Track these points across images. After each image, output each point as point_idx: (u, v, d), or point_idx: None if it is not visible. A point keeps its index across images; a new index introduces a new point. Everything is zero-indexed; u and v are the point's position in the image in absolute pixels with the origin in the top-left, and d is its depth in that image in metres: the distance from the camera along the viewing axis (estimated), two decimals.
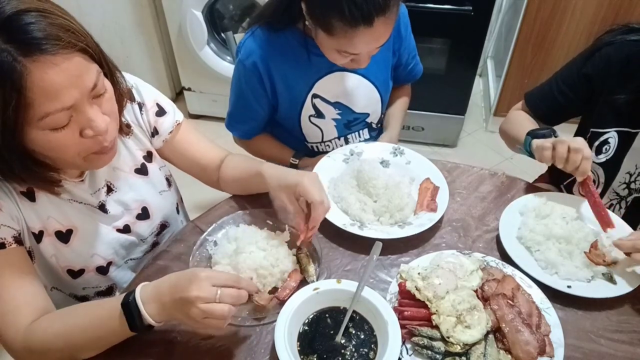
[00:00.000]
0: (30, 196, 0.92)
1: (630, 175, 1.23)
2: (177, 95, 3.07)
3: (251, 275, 0.97)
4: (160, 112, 1.11)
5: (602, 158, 1.26)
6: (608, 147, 1.24)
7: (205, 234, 1.08)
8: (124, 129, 1.02)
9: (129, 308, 0.82)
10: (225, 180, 1.18)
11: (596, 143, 1.26)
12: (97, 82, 0.81)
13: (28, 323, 0.86)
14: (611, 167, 1.26)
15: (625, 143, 1.21)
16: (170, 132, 1.13)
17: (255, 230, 1.06)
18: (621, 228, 1.08)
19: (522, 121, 1.33)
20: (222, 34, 2.62)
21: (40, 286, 0.92)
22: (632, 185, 1.25)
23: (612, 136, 1.23)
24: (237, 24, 2.64)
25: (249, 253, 0.99)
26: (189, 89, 2.87)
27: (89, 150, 0.86)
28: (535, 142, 1.16)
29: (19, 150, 0.81)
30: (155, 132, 1.12)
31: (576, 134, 1.38)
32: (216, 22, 2.59)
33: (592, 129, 1.27)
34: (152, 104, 1.10)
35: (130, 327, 0.83)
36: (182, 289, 0.79)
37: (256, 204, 1.18)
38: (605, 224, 1.07)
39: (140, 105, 1.08)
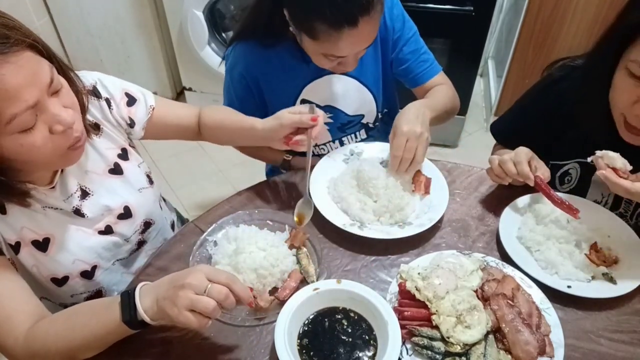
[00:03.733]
0: (1, 209, 0.91)
1: (598, 204, 1.20)
2: (178, 95, 3.07)
3: (251, 275, 0.97)
4: (131, 101, 1.10)
5: (566, 188, 1.24)
6: (570, 178, 1.23)
7: (205, 234, 1.08)
8: (91, 130, 1.01)
9: (127, 299, 0.82)
10: (207, 127, 1.21)
11: (557, 174, 1.24)
12: (52, 77, 0.81)
13: (25, 329, 0.86)
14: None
15: (587, 173, 1.20)
16: (147, 120, 1.13)
17: (255, 230, 1.07)
18: (588, 207, 1.09)
19: None
20: (223, 34, 2.62)
21: (30, 292, 0.92)
22: None
23: (573, 167, 1.22)
24: (238, 24, 2.65)
25: (249, 253, 0.99)
26: (190, 89, 2.88)
27: (63, 146, 0.85)
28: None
29: None
30: (132, 123, 1.11)
31: None
32: (217, 22, 2.59)
33: (551, 162, 1.25)
34: (121, 96, 1.09)
35: (124, 319, 0.82)
36: (178, 278, 0.80)
37: (256, 204, 1.18)
38: (572, 213, 1.06)
39: (109, 101, 1.06)
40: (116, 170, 1.08)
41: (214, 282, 0.80)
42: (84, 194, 1.02)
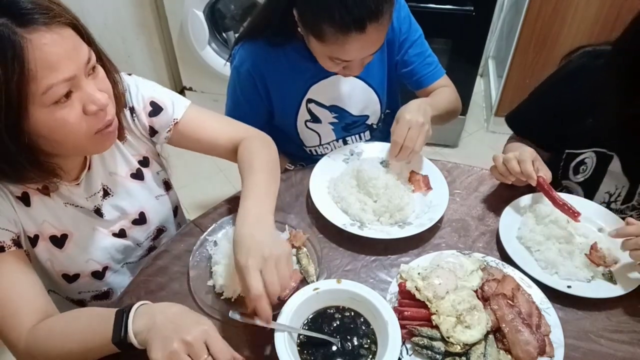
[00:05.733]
0: (26, 201, 0.91)
1: (610, 195, 1.20)
2: None
3: None
4: (155, 110, 1.07)
5: (580, 178, 1.24)
6: (585, 167, 1.22)
7: (205, 234, 1.09)
8: (122, 132, 1.01)
9: (121, 319, 0.79)
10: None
11: (572, 164, 1.24)
12: (90, 57, 0.82)
13: (30, 326, 0.86)
14: (590, 187, 1.23)
15: (603, 163, 1.19)
16: (169, 130, 1.09)
17: None
18: (589, 207, 1.09)
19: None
20: (224, 34, 2.62)
21: (41, 288, 0.92)
22: (613, 206, 1.22)
23: (589, 156, 1.21)
24: (238, 24, 2.65)
25: None
26: (190, 89, 2.88)
27: (94, 127, 0.84)
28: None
29: (22, 138, 0.79)
30: (153, 132, 1.09)
31: (553, 155, 1.32)
32: (217, 22, 2.59)
33: (567, 150, 1.24)
34: (144, 105, 1.06)
35: (113, 340, 0.78)
36: (182, 327, 0.76)
37: None
38: (573, 215, 1.06)
39: (132, 110, 1.05)
40: (138, 175, 1.09)
41: (211, 352, 0.75)
42: (105, 193, 1.03)
